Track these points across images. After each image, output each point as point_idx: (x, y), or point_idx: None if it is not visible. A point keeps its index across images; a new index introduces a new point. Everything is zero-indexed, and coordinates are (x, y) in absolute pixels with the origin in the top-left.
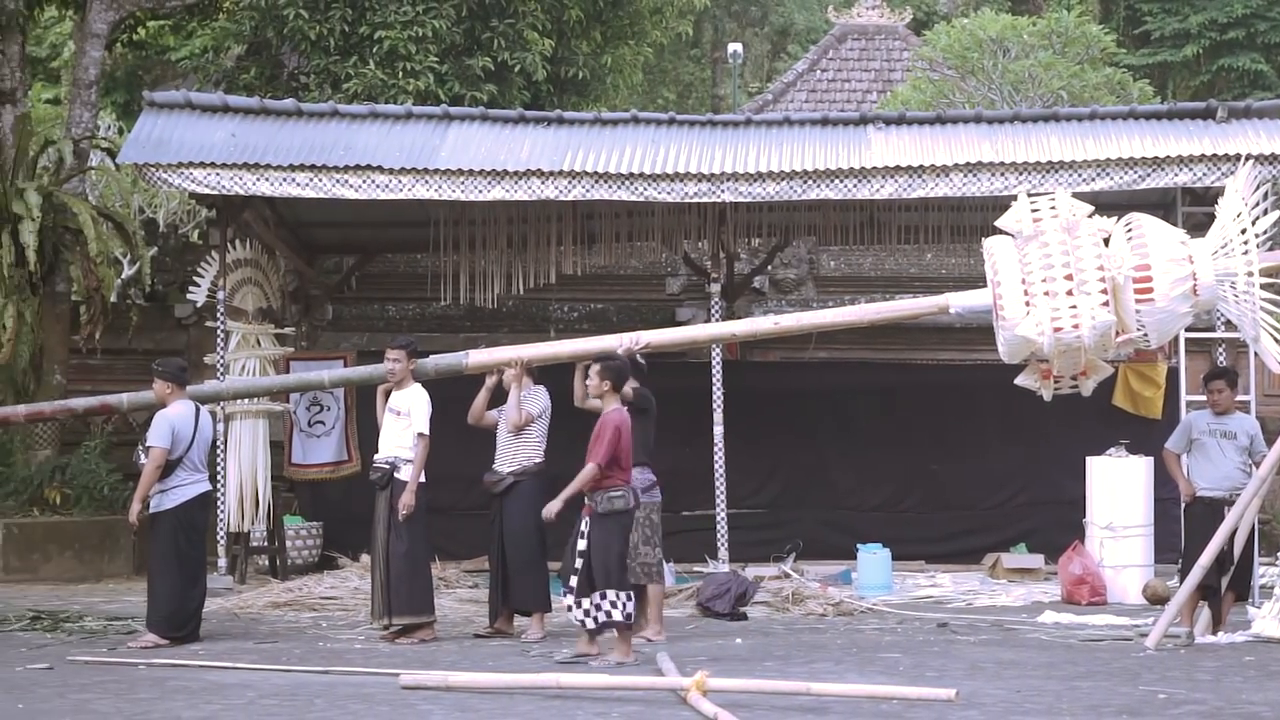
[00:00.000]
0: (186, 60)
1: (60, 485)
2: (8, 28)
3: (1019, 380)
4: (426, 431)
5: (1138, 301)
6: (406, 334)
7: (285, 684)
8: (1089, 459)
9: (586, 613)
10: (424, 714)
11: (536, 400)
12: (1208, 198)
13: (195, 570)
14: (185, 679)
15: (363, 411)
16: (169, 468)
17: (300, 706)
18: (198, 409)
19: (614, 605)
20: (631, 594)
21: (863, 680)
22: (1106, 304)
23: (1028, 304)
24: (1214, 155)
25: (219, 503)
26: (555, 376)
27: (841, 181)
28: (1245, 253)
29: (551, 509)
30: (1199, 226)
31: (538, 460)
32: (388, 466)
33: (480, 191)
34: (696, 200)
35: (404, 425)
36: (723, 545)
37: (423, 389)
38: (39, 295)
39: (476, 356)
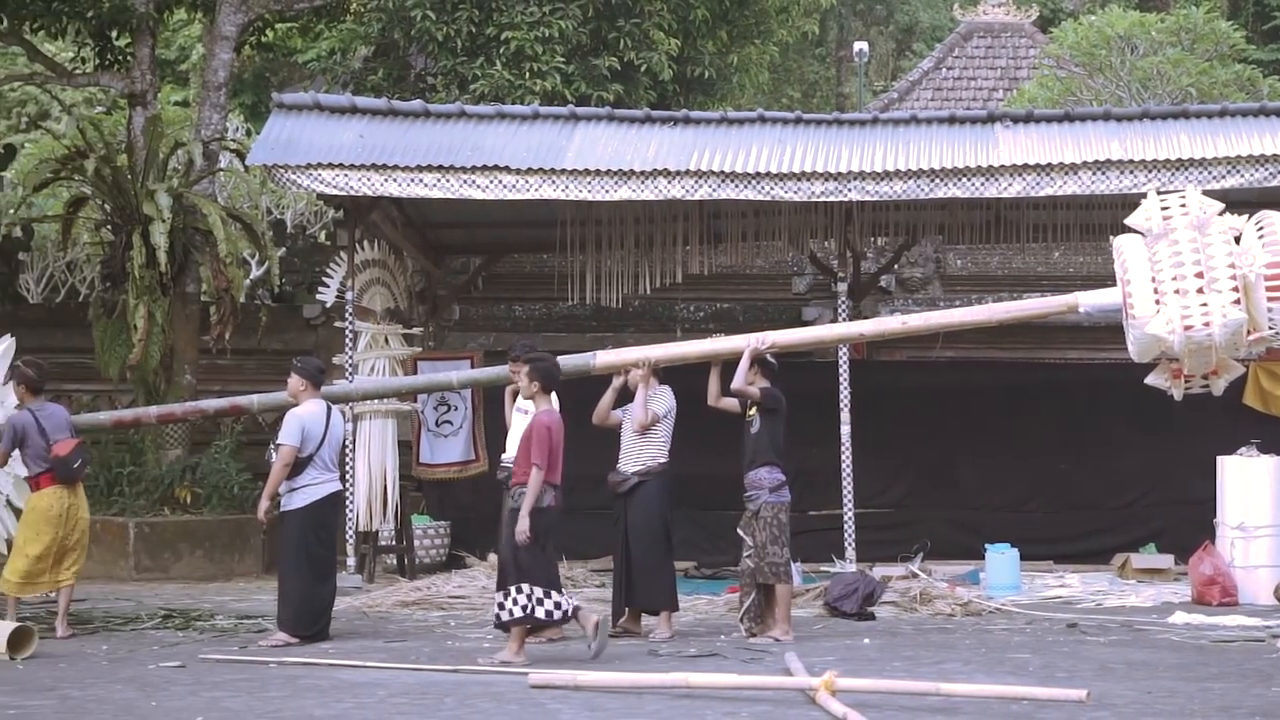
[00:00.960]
0: (314, 62)
1: (191, 485)
2: (138, 30)
3: (1149, 379)
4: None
5: (1270, 299)
6: (528, 338)
7: (415, 682)
8: (1220, 459)
9: (501, 605)
10: (553, 713)
11: (662, 400)
12: None
13: (325, 569)
14: (316, 677)
15: (490, 411)
16: (299, 466)
17: (430, 705)
18: (329, 408)
19: (528, 599)
20: (548, 591)
21: (992, 681)
22: (1238, 302)
23: (1158, 302)
24: None
25: (348, 502)
26: (679, 376)
27: (969, 180)
28: None
29: (521, 528)
30: None
31: (662, 460)
32: (513, 466)
33: (607, 191)
34: (823, 199)
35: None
36: (850, 545)
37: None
38: (169, 296)
39: (604, 357)
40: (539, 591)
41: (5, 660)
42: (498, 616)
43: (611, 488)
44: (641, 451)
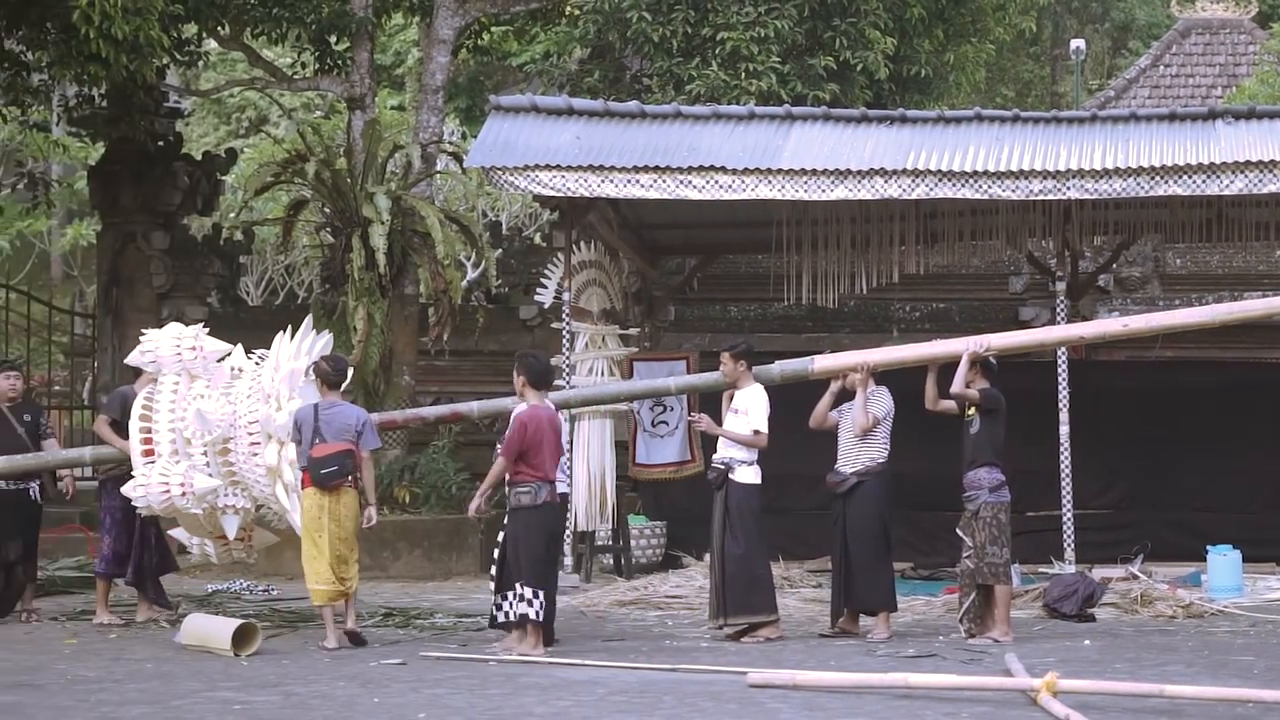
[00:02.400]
0: (530, 65)
1: (409, 485)
2: (357, 35)
3: None
4: (763, 429)
5: None
6: (742, 336)
7: (633, 681)
8: None
9: (497, 606)
10: (772, 712)
11: (881, 402)
12: None
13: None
14: (535, 675)
15: (705, 411)
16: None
17: (649, 703)
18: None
19: (527, 600)
20: (545, 590)
21: (1216, 684)
22: None
23: None
24: None
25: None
26: (896, 375)
27: (1189, 177)
28: None
29: (472, 506)
30: None
31: (881, 461)
32: (723, 467)
33: (823, 191)
34: (1041, 198)
35: (743, 424)
36: (1069, 546)
37: (762, 389)
38: (388, 298)
39: (822, 362)
40: (528, 591)
41: (231, 657)
42: (509, 615)
43: (830, 488)
44: (861, 453)
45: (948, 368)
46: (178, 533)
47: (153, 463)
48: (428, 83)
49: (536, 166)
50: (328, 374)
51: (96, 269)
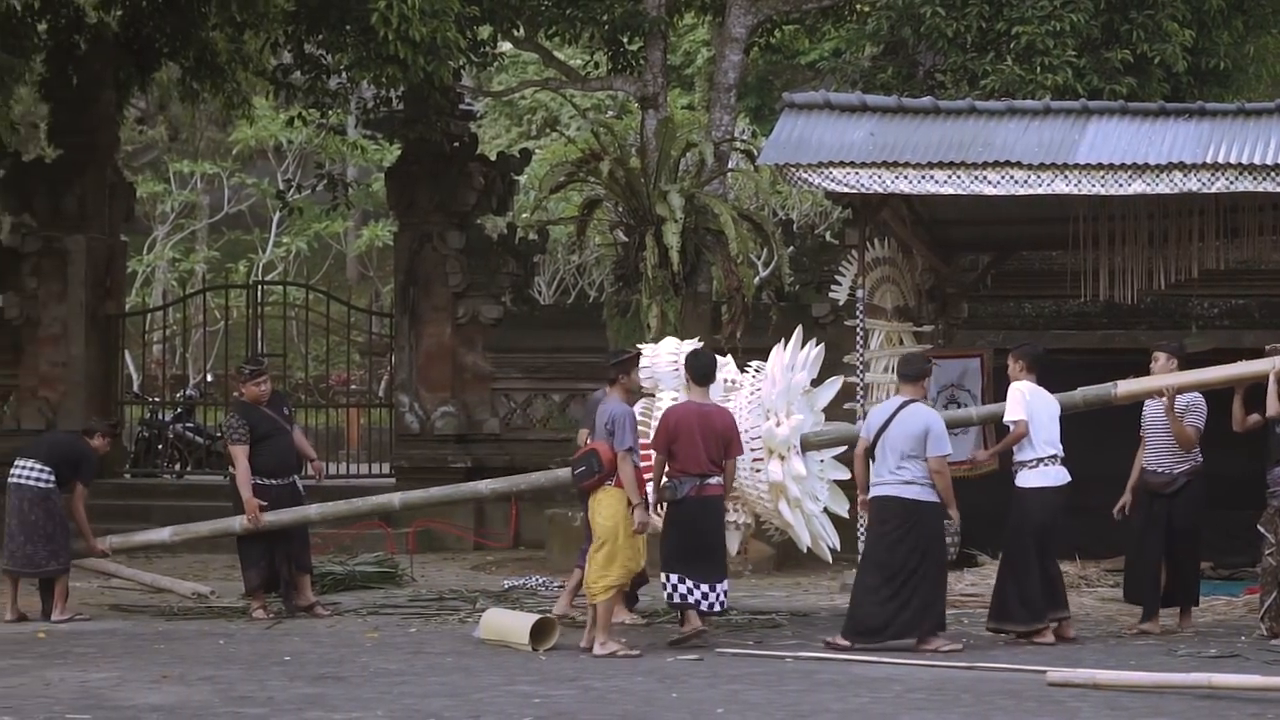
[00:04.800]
0: (822, 62)
1: None
2: (649, 34)
3: None
4: (1019, 416)
5: None
6: (1036, 336)
7: (931, 679)
8: None
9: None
10: (1072, 711)
11: (1197, 411)
12: None
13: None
14: (832, 672)
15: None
16: None
17: (947, 701)
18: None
19: (671, 586)
20: (691, 578)
21: None
22: None
23: None
24: None
25: None
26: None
27: None
28: None
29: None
30: None
31: (1200, 460)
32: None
33: (1120, 186)
34: None
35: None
36: None
37: (1025, 384)
38: (681, 296)
39: (1126, 386)
40: (674, 578)
41: (529, 651)
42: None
43: (1155, 488)
44: (1183, 452)
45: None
46: None
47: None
48: (720, 81)
49: (830, 163)
50: (695, 369)
51: (394, 269)
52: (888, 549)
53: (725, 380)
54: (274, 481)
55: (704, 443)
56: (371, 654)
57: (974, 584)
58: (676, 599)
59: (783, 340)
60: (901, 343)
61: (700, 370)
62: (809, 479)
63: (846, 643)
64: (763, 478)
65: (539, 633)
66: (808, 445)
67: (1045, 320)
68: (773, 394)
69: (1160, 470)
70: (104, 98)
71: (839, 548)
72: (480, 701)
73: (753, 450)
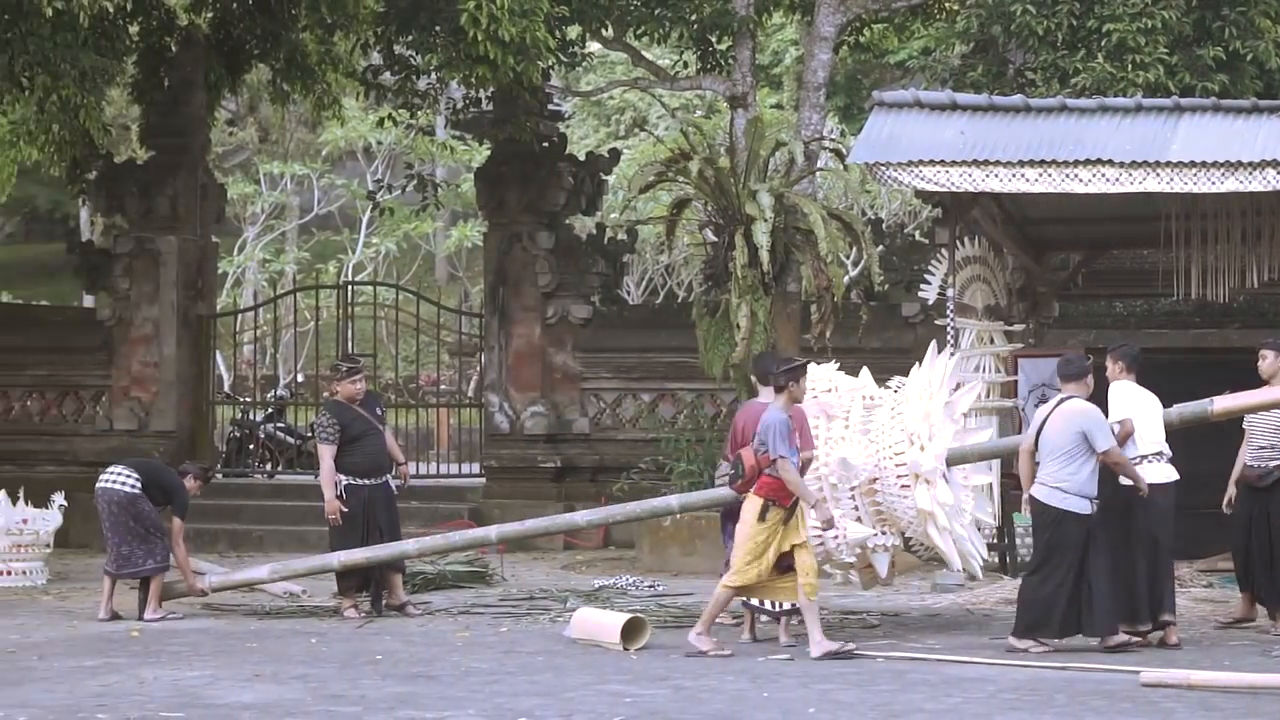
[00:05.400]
0: (912, 60)
1: None
2: (738, 33)
3: None
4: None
5: None
6: (1128, 335)
7: (1024, 679)
8: None
9: None
10: (1167, 712)
11: None
12: None
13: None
14: (923, 672)
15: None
16: None
17: (1040, 701)
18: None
19: None
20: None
21: None
22: None
23: None
24: None
25: None
26: None
27: None
28: None
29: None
30: None
31: None
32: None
33: (1213, 184)
34: None
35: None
36: None
37: (1126, 385)
38: (771, 295)
39: (1223, 403)
40: None
41: (620, 650)
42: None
43: (1251, 481)
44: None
45: None
46: None
47: None
48: (809, 80)
49: (920, 162)
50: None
51: (483, 269)
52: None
53: (865, 397)
54: (366, 481)
55: (743, 441)
56: (463, 653)
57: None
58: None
59: (920, 359)
60: (992, 341)
61: (756, 371)
62: (953, 486)
63: (1030, 642)
64: (910, 504)
65: (630, 632)
66: (955, 460)
67: (1137, 319)
68: (914, 419)
69: (1257, 465)
70: (195, 99)
71: (987, 558)
72: (571, 700)
73: (899, 475)
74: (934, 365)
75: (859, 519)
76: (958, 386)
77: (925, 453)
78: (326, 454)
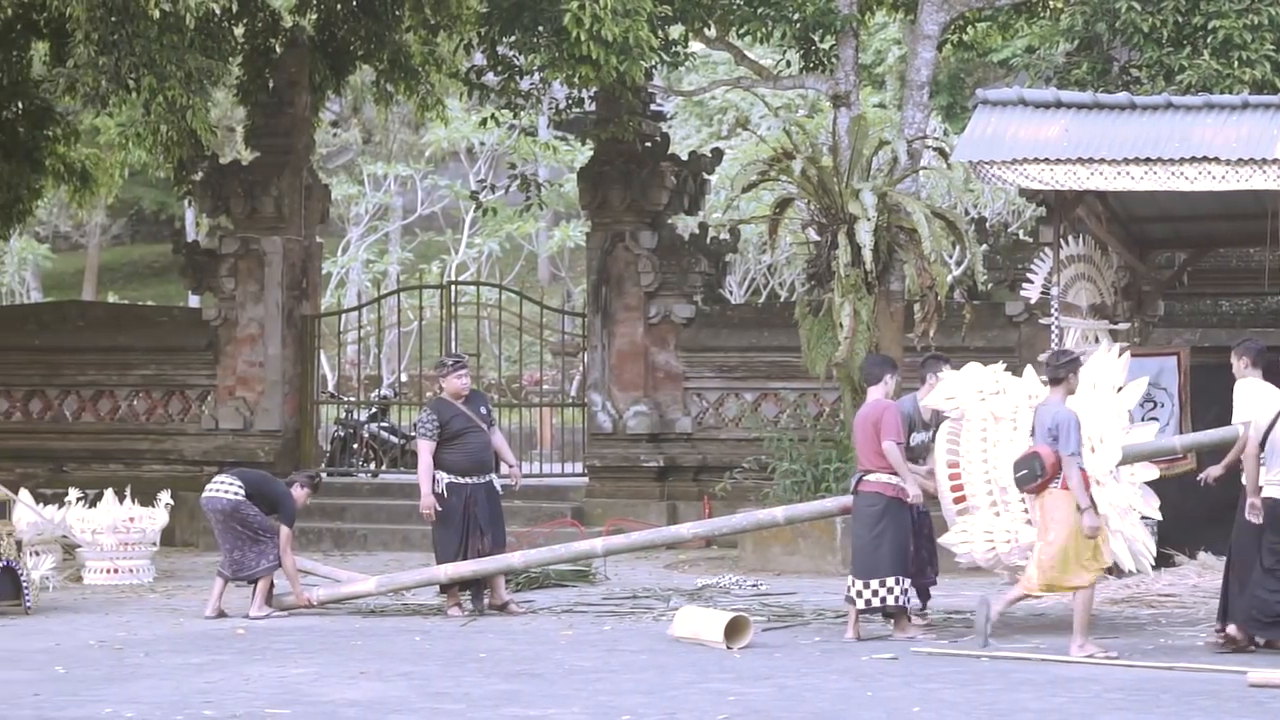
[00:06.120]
0: (1016, 58)
1: None
2: (841, 32)
3: None
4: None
5: None
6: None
7: (1129, 679)
8: None
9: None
10: (1274, 712)
11: None
12: None
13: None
14: (1028, 671)
15: (1198, 406)
16: None
17: (1146, 701)
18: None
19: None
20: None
21: None
22: None
23: None
24: None
25: None
26: None
27: None
28: None
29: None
30: None
31: None
32: None
33: None
34: None
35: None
36: None
37: (1253, 382)
38: (874, 294)
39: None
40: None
41: (723, 649)
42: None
43: None
44: None
45: None
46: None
47: (967, 511)
48: (912, 78)
49: (1024, 160)
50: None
51: (586, 269)
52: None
53: (1030, 396)
54: (467, 480)
55: (862, 438)
56: (566, 651)
57: (1171, 584)
58: (875, 604)
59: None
60: (1097, 341)
61: (864, 374)
62: (1122, 487)
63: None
64: None
65: (733, 630)
66: (1129, 459)
67: (1243, 318)
68: (1085, 419)
69: None
70: (300, 100)
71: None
72: (675, 699)
73: None
74: (1102, 364)
75: (1029, 522)
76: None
77: (1096, 454)
78: (425, 450)
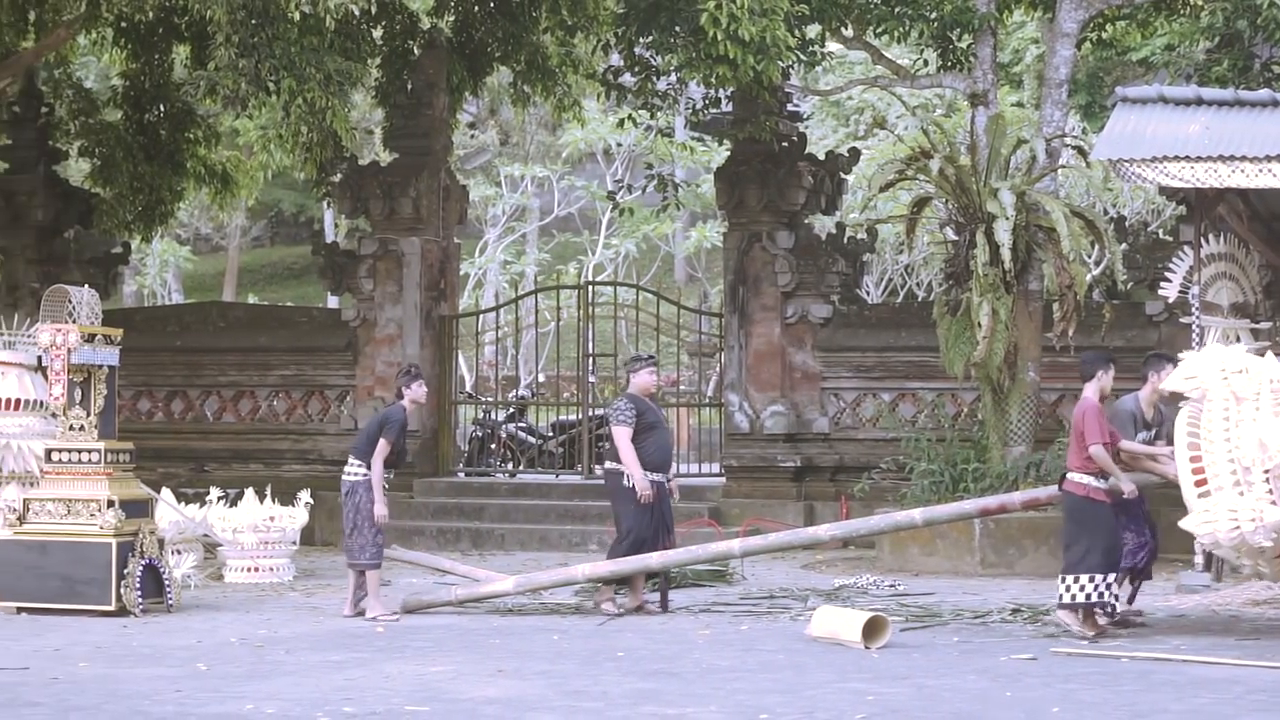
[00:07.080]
0: (1156, 56)
1: (1035, 481)
2: (979, 31)
3: None
4: None
5: None
6: None
7: (1272, 680)
8: None
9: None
10: None
11: None
12: None
13: None
14: (1168, 673)
15: None
16: None
17: None
18: None
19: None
20: (1094, 578)
21: None
22: None
23: None
24: None
25: None
26: None
27: None
28: None
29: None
30: None
31: None
32: None
33: None
34: None
35: None
36: None
37: None
38: (1012, 294)
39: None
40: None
41: (861, 649)
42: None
43: None
44: None
45: None
46: None
47: (1208, 494)
48: (1050, 77)
49: (1164, 158)
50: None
51: (722, 269)
52: None
53: (1274, 380)
54: (654, 476)
55: (1073, 436)
56: (704, 651)
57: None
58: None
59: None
60: (1238, 340)
61: (1081, 370)
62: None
63: None
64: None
65: (871, 630)
66: None
67: None
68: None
69: None
70: (437, 102)
71: None
72: (813, 698)
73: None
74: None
75: (1274, 502)
76: None
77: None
78: (624, 436)
